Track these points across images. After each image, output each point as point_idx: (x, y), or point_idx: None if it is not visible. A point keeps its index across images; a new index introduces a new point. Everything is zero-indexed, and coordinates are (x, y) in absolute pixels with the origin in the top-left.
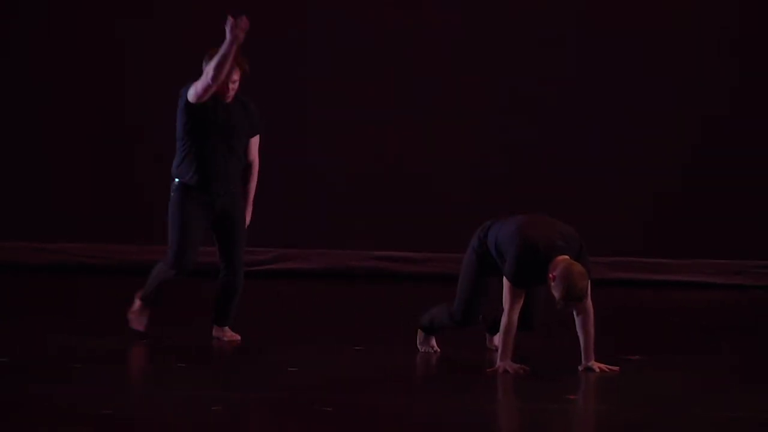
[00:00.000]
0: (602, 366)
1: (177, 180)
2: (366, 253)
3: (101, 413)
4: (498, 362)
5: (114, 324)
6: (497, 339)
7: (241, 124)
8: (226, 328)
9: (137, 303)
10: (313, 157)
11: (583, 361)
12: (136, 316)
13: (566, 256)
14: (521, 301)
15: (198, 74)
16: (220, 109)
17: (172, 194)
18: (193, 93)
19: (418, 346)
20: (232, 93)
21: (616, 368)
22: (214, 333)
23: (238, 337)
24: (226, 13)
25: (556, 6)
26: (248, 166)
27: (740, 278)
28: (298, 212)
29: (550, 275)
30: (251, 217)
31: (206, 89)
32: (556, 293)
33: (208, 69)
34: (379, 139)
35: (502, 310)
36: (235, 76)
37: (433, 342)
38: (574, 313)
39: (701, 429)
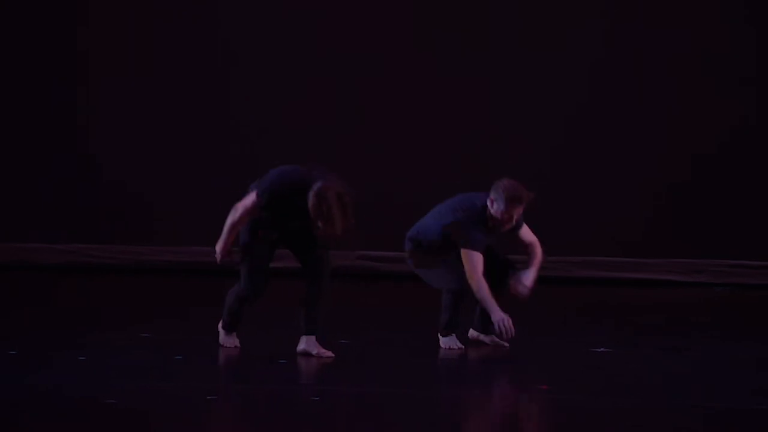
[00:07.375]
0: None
1: None
2: (349, 253)
3: (105, 402)
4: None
5: (117, 319)
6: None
7: None
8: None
9: None
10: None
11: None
12: None
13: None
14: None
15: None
16: None
17: None
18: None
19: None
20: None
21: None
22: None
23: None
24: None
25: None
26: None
27: (702, 276)
28: None
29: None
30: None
31: None
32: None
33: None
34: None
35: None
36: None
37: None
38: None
39: (663, 417)
